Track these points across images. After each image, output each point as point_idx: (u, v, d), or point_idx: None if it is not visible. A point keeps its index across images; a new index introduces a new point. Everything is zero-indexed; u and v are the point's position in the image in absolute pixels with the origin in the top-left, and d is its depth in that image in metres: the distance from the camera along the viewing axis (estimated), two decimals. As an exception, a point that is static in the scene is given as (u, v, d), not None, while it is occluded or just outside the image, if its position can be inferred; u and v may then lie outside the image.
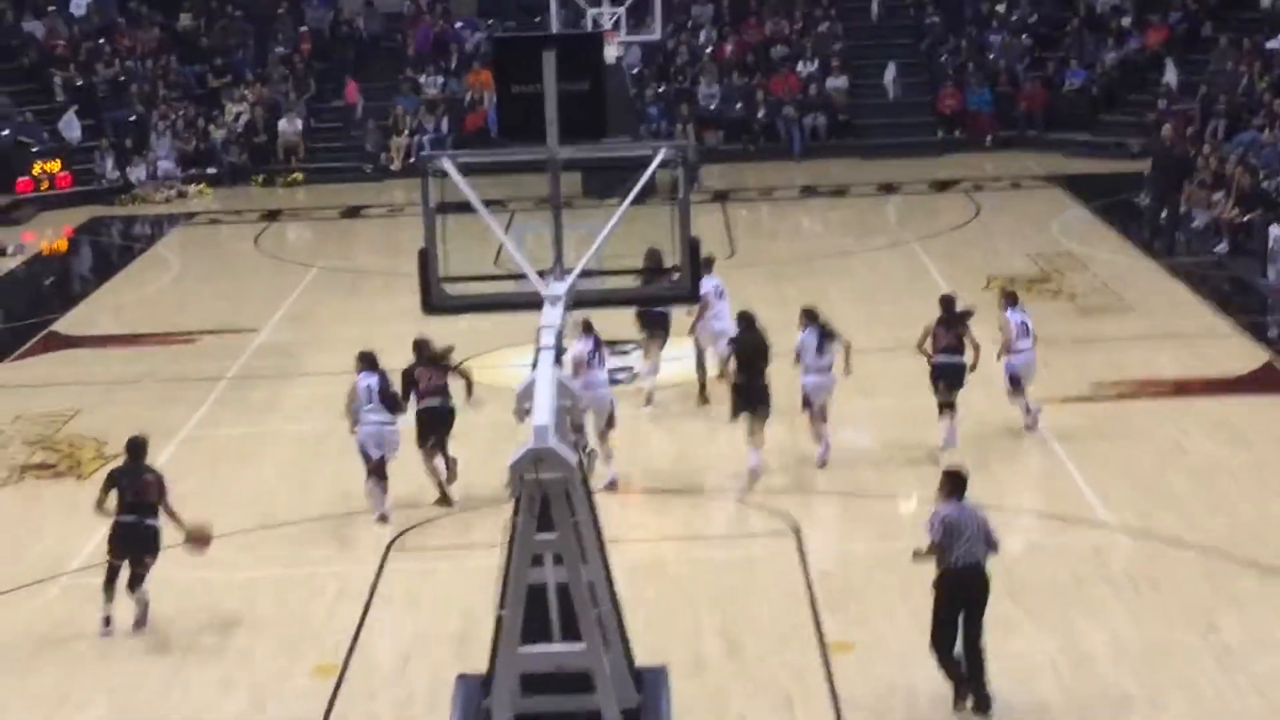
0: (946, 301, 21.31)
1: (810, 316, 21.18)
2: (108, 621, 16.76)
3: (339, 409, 20.53)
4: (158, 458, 21.41)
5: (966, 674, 14.46)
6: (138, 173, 43.13)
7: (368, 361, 19.81)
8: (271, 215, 40.07)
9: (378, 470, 19.64)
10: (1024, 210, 36.59)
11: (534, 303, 11.47)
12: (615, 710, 10.75)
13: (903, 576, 16.99)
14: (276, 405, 24.16)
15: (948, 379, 20.97)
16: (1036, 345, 21.62)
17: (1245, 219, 31.13)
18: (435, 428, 20.02)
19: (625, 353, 25.63)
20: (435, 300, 12.34)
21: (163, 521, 16.95)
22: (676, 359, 24.63)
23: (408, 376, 19.86)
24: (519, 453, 9.51)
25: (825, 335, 20.97)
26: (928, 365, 20.96)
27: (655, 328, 23.40)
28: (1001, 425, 21.59)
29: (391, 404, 19.59)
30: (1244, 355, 24.63)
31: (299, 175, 43.81)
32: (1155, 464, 20.25)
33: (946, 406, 21.05)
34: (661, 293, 14.12)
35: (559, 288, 11.51)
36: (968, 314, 21.15)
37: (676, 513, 19.83)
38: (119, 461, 17.86)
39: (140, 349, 27.71)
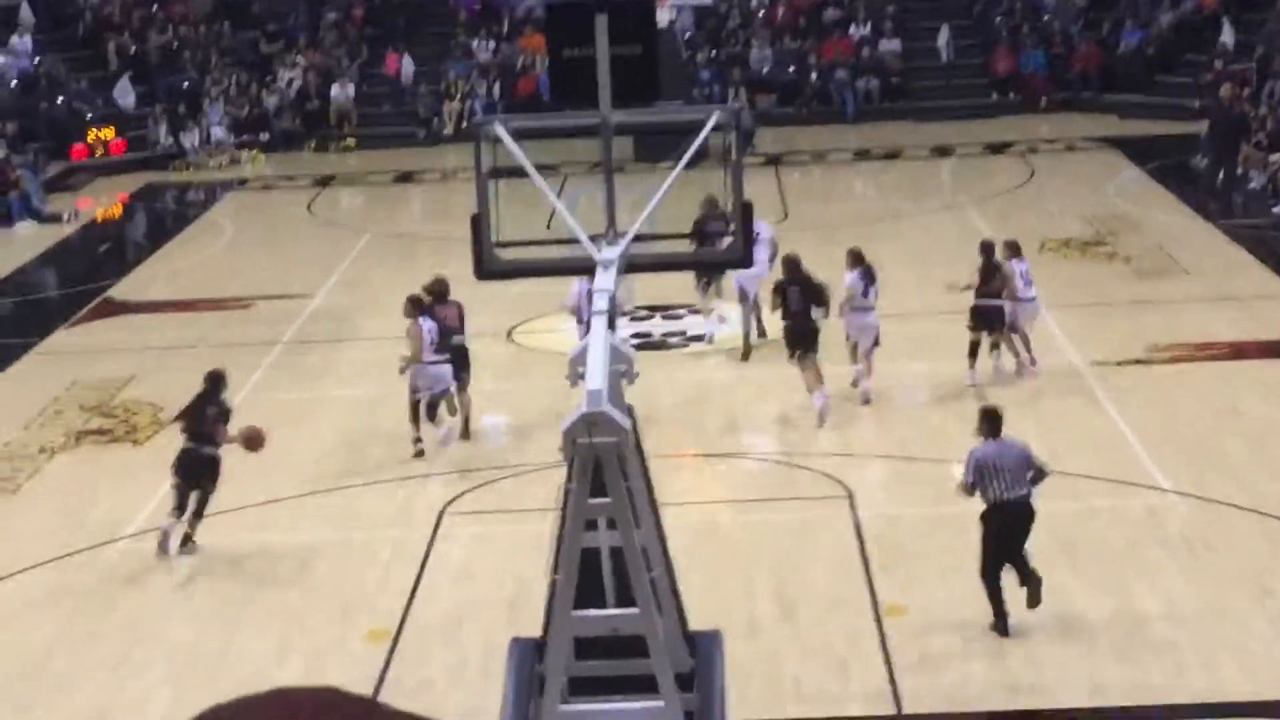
0: (987, 247, 21.82)
1: (856, 258, 22.09)
2: (165, 533, 17.80)
3: (392, 374, 20.60)
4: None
5: (1019, 577, 15.03)
6: (191, 139, 43.28)
7: (420, 305, 20.61)
8: (324, 181, 40.14)
9: (430, 410, 20.45)
10: (1078, 173, 36.41)
11: (587, 268, 11.47)
12: (669, 675, 10.77)
13: (955, 540, 16.98)
14: (330, 370, 24.24)
15: (988, 321, 21.97)
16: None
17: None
18: (464, 364, 20.85)
19: (678, 316, 25.63)
20: (488, 265, 12.36)
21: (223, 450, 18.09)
22: (733, 323, 24.63)
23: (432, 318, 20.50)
24: (572, 417, 9.52)
25: (869, 276, 21.90)
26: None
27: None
28: (1056, 388, 21.53)
29: (444, 343, 20.49)
30: (1301, 318, 24.48)
31: (352, 141, 43.88)
32: (1211, 427, 20.16)
33: (993, 346, 22.03)
34: (715, 256, 14.11)
35: (612, 252, 11.51)
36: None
37: (730, 477, 19.85)
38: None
39: (195, 315, 27.82)
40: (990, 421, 15.53)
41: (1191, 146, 36.00)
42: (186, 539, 17.93)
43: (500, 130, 11.91)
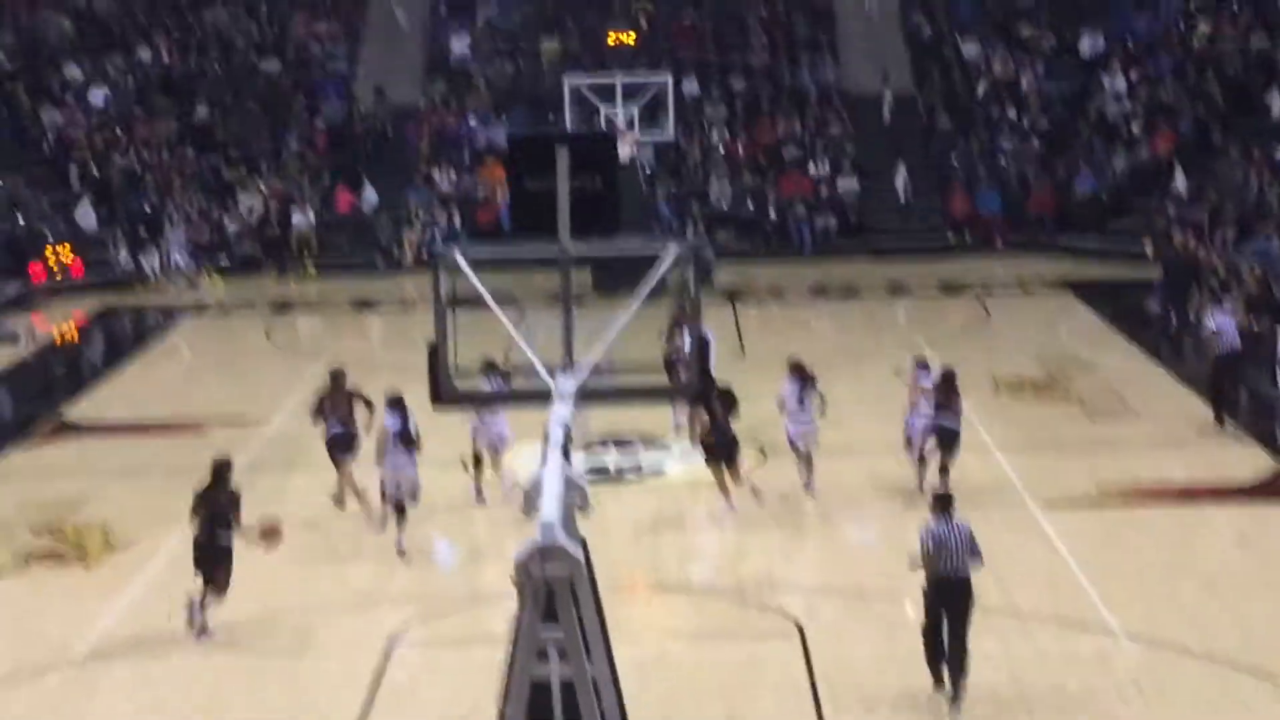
0: (948, 375, 22.56)
1: (795, 369, 23.38)
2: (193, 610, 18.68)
3: (346, 501, 20.61)
4: (165, 544, 21.50)
5: (949, 672, 16.44)
6: (151, 262, 43.31)
7: (392, 403, 21.73)
8: (283, 307, 40.19)
9: (397, 509, 21.27)
10: (1033, 315, 36.67)
11: (543, 397, 11.51)
12: (618, 808, 10.71)
13: (908, 679, 16.97)
14: (284, 495, 24.11)
15: (945, 442, 22.69)
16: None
17: (1254, 327, 31.17)
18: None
19: (634, 449, 25.66)
20: (445, 393, 12.39)
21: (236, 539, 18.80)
22: (690, 457, 24.70)
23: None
24: (525, 547, 9.53)
25: (806, 386, 23.17)
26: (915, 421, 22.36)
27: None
28: (1008, 528, 21.57)
29: (408, 443, 21.34)
30: (1253, 463, 24.59)
31: (313, 269, 43.95)
32: (1163, 571, 20.20)
33: (942, 471, 22.57)
34: (668, 390, 14.17)
35: (569, 383, 11.55)
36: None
37: (682, 609, 19.79)
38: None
39: (149, 438, 27.73)
40: (941, 502, 16.92)
41: (1145, 290, 36.28)
42: (201, 630, 18.61)
43: (459, 259, 11.98)
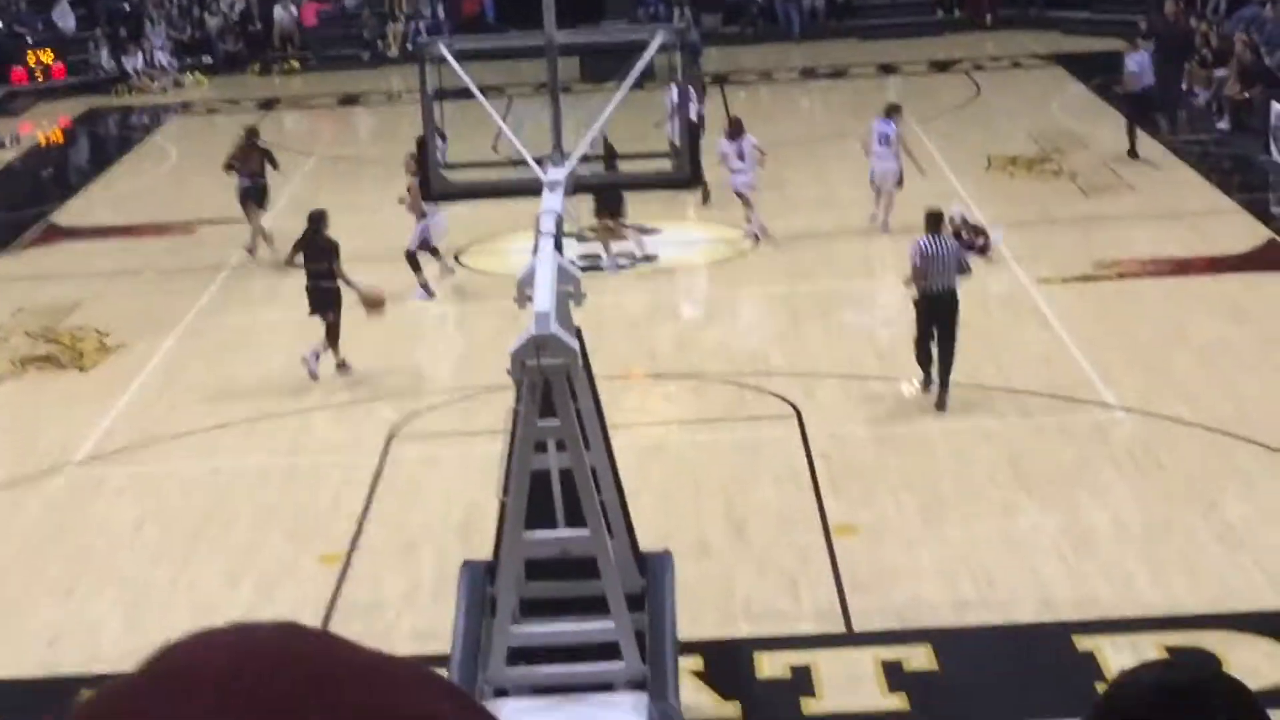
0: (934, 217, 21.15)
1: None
2: (316, 356, 20.03)
3: (341, 297, 20.57)
4: (160, 347, 21.52)
5: (939, 370, 18.24)
6: (133, 63, 42.92)
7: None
8: (269, 104, 39.89)
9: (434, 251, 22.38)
10: (1024, 90, 36.43)
11: (534, 188, 11.44)
12: (620, 595, 10.81)
13: (905, 459, 17.10)
14: (278, 294, 24.09)
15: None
16: (900, 157, 25.24)
17: (1247, 96, 30.99)
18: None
19: (625, 237, 25.59)
20: (435, 187, 12.33)
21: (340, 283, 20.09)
22: (682, 243, 24.69)
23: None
24: (520, 339, 9.51)
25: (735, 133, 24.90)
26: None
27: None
28: (1003, 305, 21.61)
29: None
30: (1246, 233, 24.57)
31: (295, 63, 43.59)
32: (1158, 343, 20.24)
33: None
34: (663, 177, 14.07)
35: (558, 173, 11.48)
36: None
37: (678, 397, 19.86)
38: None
39: (139, 240, 27.65)
40: (933, 219, 18.53)
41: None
42: (340, 366, 20.20)
43: (445, 52, 11.85)
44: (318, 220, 20.59)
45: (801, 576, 14.83)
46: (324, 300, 20.23)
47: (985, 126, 32.77)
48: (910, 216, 21.64)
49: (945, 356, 18.28)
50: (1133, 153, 29.12)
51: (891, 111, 25.67)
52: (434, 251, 23.46)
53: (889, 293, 22.44)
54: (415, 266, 23.05)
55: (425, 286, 22.91)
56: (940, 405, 18.26)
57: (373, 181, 30.01)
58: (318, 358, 20.05)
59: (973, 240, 22.93)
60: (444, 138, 16.89)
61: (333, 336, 20.20)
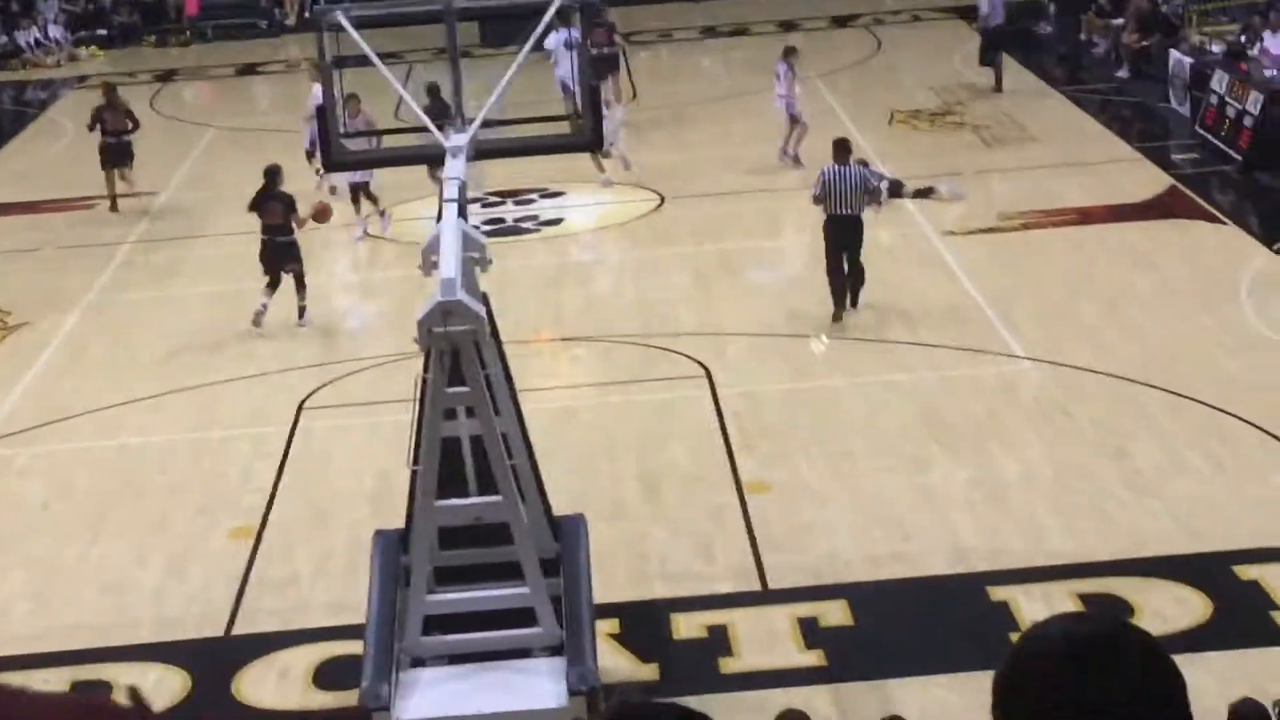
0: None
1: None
2: (264, 308, 20.45)
3: (244, 270, 20.41)
4: (63, 324, 21.30)
5: (850, 286, 19.44)
6: (26, 37, 42.37)
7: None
8: (166, 76, 39.49)
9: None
10: (925, 43, 36.51)
11: (436, 155, 11.37)
12: (534, 560, 10.78)
13: (816, 416, 17.13)
14: (180, 268, 23.92)
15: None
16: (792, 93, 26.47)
17: (1145, 44, 31.18)
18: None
19: (530, 200, 25.53)
20: (336, 156, 12.22)
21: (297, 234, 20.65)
22: (586, 205, 24.65)
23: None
24: (427, 306, 9.46)
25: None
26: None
27: None
28: (909, 258, 21.67)
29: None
30: (1148, 181, 24.72)
31: (190, 35, 43.17)
32: (1063, 293, 20.35)
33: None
34: (566, 140, 13.99)
35: (460, 139, 11.41)
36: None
37: (588, 360, 19.83)
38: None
39: (40, 216, 27.31)
40: (839, 147, 19.60)
41: (1035, 13, 36.18)
42: (302, 311, 20.66)
43: (342, 19, 11.74)
44: (273, 175, 20.81)
45: (716, 536, 14.85)
46: (284, 254, 20.63)
47: (887, 81, 32.83)
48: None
49: (855, 273, 19.50)
50: (998, 89, 31.02)
51: (786, 54, 27.16)
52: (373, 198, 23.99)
53: (795, 251, 22.50)
54: (358, 201, 23.89)
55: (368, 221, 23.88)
56: (841, 314, 19.45)
57: (274, 151, 29.74)
58: (305, 314, 20.75)
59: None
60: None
61: (300, 285, 20.70)
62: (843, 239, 19.33)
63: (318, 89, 24.90)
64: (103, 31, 43.38)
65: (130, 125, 27.28)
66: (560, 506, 12.44)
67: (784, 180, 25.49)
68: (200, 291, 22.76)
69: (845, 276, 19.45)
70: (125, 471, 17.20)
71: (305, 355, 19.95)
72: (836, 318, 19.39)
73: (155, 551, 15.33)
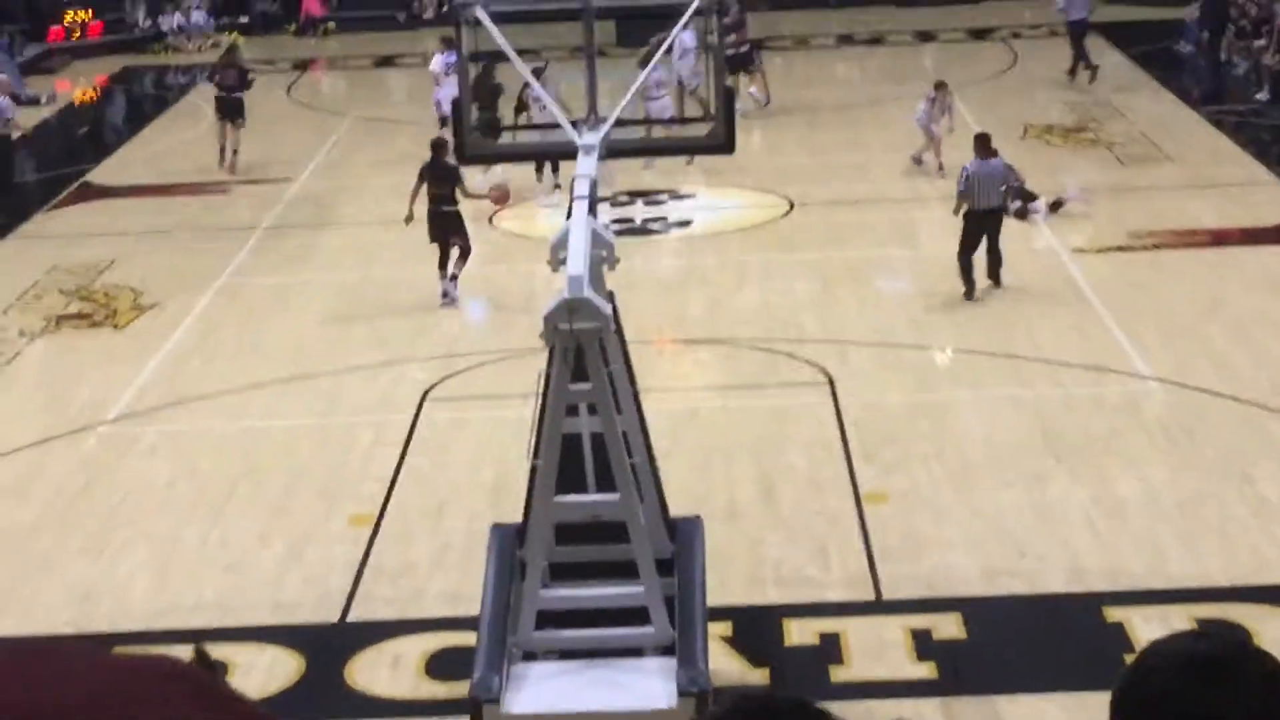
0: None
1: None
2: (445, 294, 21.24)
3: (374, 259, 20.56)
4: (193, 306, 21.57)
5: (989, 267, 20.50)
6: (170, 22, 42.93)
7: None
8: (304, 65, 39.87)
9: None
10: (1062, 58, 36.17)
11: (568, 152, 11.42)
12: (650, 559, 10.81)
13: (936, 427, 17.06)
14: (311, 255, 24.15)
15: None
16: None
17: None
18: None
19: (660, 201, 25.59)
20: (470, 149, 12.31)
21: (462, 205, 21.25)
22: (716, 209, 24.69)
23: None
24: (553, 303, 9.50)
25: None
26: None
27: None
28: (1037, 275, 21.53)
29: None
30: (1284, 204, 24.43)
31: (331, 24, 43.57)
32: (1193, 314, 20.15)
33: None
34: (697, 141, 14.02)
35: (593, 137, 11.45)
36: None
37: (711, 363, 19.84)
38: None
39: (174, 199, 27.67)
40: (981, 142, 20.81)
41: (1176, 32, 35.84)
42: (454, 280, 21.29)
43: (481, 14, 11.81)
44: (439, 148, 20.99)
45: (831, 543, 14.83)
46: (448, 224, 21.17)
47: (1022, 95, 32.62)
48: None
49: (994, 256, 20.52)
50: (1072, 72, 33.16)
51: (937, 87, 27.02)
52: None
53: (922, 261, 22.40)
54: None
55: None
56: (973, 294, 20.41)
57: (407, 142, 29.98)
58: (456, 283, 21.29)
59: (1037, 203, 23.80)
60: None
61: (464, 256, 21.32)
62: (986, 228, 20.39)
63: (439, 58, 27.53)
64: (244, 19, 43.87)
65: (237, 82, 29.19)
66: (677, 507, 12.45)
67: (914, 190, 25.45)
68: (329, 279, 22.96)
69: (973, 263, 20.46)
70: (249, 454, 17.38)
71: (431, 346, 20.09)
72: (968, 296, 20.39)
73: (275, 535, 15.49)
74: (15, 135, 28.68)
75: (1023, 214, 23.18)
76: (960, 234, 20.48)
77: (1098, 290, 20.96)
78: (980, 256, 20.66)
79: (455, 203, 21.19)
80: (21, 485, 16.89)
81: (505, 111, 22.78)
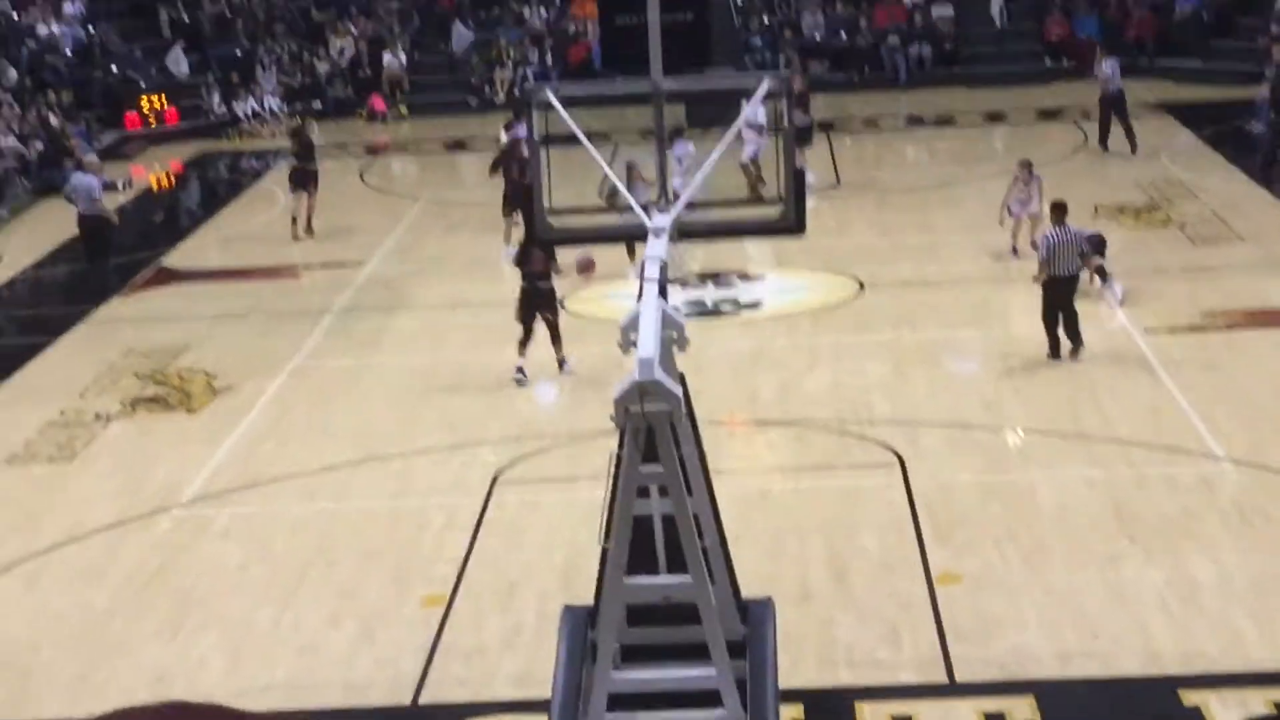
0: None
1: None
2: (520, 370, 21.51)
3: (445, 342, 20.62)
4: (266, 389, 21.71)
5: (1068, 335, 21.23)
6: (244, 107, 43.41)
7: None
8: (376, 149, 40.19)
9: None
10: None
11: (639, 234, 11.45)
12: (721, 641, 10.77)
13: (1008, 508, 16.98)
14: (383, 338, 24.29)
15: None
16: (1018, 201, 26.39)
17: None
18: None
19: (730, 285, 25.65)
20: (541, 232, 12.36)
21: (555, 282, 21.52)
22: (786, 290, 24.70)
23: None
24: (624, 385, 9.51)
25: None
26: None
27: None
28: (1109, 354, 21.45)
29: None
30: (1360, 286, 24.29)
31: (404, 109, 43.95)
32: (1266, 395, 20.03)
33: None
34: (768, 224, 14.03)
35: (663, 219, 11.49)
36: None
37: (782, 444, 19.82)
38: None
39: (248, 283, 27.91)
40: (1058, 210, 21.51)
41: (1247, 112, 35.76)
42: (562, 363, 21.73)
43: (552, 97, 11.90)
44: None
45: (903, 625, 14.76)
46: (544, 301, 21.43)
47: (1093, 175, 32.58)
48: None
49: (1072, 323, 21.27)
50: (1103, 144, 34.45)
51: (1021, 166, 26.58)
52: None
53: (993, 342, 22.36)
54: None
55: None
56: (1074, 353, 21.30)
57: (478, 225, 30.17)
58: (522, 371, 21.50)
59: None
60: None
61: (555, 335, 21.66)
62: (1063, 295, 21.16)
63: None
64: (317, 104, 44.30)
65: (302, 151, 30.87)
66: (749, 589, 12.43)
67: (984, 271, 25.42)
68: (401, 361, 23.09)
69: (1057, 328, 21.31)
70: (321, 536, 17.45)
71: (502, 428, 20.14)
72: (1053, 355, 21.27)
73: (347, 616, 15.53)
74: (110, 213, 28.78)
75: (1101, 274, 23.20)
76: (1042, 302, 21.28)
77: (1171, 370, 20.87)
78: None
79: (550, 279, 21.40)
80: (97, 568, 17.00)
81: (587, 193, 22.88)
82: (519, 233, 24.58)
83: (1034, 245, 24.81)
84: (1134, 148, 33.66)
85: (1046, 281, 21.12)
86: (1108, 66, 34.49)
